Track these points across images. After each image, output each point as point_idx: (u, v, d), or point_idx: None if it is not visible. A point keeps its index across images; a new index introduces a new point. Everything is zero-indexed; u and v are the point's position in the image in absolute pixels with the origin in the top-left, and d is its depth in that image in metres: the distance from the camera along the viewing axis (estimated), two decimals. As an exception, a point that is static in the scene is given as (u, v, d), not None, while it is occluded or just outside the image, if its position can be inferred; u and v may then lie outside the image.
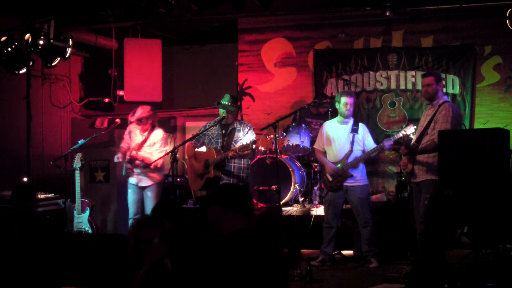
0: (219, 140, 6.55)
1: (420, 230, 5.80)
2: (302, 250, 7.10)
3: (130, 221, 7.04)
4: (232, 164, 6.43)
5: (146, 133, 7.04)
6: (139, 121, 6.99)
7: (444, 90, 7.67)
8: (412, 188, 6.15)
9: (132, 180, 7.05)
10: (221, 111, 6.49)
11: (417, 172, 5.87)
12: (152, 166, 6.90)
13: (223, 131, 6.56)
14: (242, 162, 6.46)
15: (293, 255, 3.40)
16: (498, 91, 8.05)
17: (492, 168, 5.02)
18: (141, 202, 7.03)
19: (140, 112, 7.00)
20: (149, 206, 6.87)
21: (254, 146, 6.15)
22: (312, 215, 7.07)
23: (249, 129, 6.50)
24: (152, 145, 7.03)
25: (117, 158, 7.12)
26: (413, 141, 6.07)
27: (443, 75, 7.86)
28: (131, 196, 7.06)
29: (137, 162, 6.93)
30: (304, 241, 7.14)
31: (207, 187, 6.53)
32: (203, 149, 6.68)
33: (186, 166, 8.86)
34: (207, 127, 6.64)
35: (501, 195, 4.99)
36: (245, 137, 6.40)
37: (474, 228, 5.81)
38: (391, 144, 6.44)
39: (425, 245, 5.73)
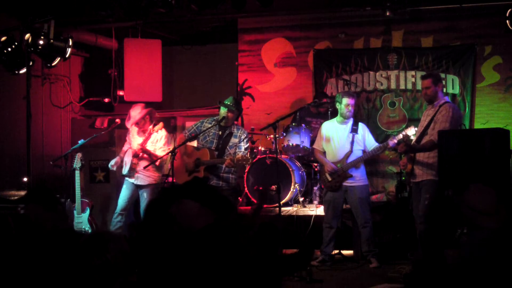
0: (215, 140, 6.56)
1: (420, 230, 5.80)
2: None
3: (115, 216, 7.01)
4: (223, 166, 6.43)
5: (148, 131, 7.02)
6: (137, 124, 6.99)
7: (444, 90, 7.67)
8: (412, 188, 6.15)
9: (131, 178, 7.05)
10: (222, 111, 6.49)
11: (417, 172, 5.87)
12: (157, 163, 6.91)
13: (220, 132, 6.57)
14: None
15: (303, 256, 3.35)
16: (498, 91, 8.04)
17: (492, 168, 5.03)
18: (132, 200, 7.03)
19: (134, 115, 6.99)
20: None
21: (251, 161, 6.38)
22: (312, 215, 7.07)
23: (245, 137, 6.55)
24: (155, 142, 7.02)
25: (112, 166, 7.11)
26: (413, 141, 6.07)
27: (443, 75, 7.86)
28: (124, 192, 7.04)
29: (145, 155, 6.92)
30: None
31: None
32: (194, 143, 6.69)
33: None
34: (204, 124, 6.63)
35: (501, 195, 4.99)
36: (240, 144, 6.45)
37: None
38: (395, 143, 6.37)
39: (425, 245, 5.73)
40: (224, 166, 6.39)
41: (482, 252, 2.93)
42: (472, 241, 3.08)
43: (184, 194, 2.98)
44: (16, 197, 6.50)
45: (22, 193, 6.46)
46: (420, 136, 5.93)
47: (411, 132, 6.21)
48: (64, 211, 5.60)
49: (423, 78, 6.10)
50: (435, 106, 5.91)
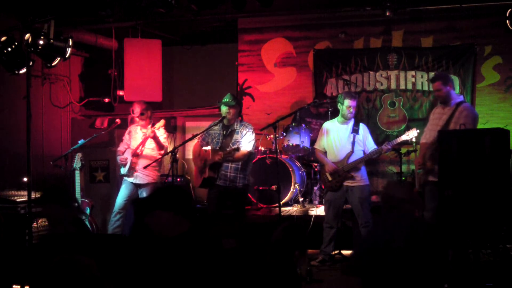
0: (219, 140, 6.54)
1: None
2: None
3: (113, 215, 7.03)
4: (229, 165, 6.36)
5: (147, 129, 7.08)
6: (142, 114, 7.09)
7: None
8: (427, 186, 6.06)
9: (129, 177, 7.08)
10: (223, 109, 6.45)
11: (437, 170, 5.88)
12: (159, 160, 6.96)
13: (224, 132, 6.55)
14: (240, 163, 6.34)
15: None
16: (498, 91, 8.05)
17: (492, 168, 5.03)
18: (131, 200, 7.04)
19: (137, 106, 7.15)
20: None
21: (237, 152, 6.08)
22: (312, 215, 7.07)
23: (247, 131, 6.39)
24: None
25: (122, 160, 7.13)
26: (423, 139, 6.13)
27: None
28: (123, 191, 7.10)
29: (144, 154, 6.99)
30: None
31: (203, 186, 6.59)
32: (209, 147, 6.71)
33: (185, 166, 8.88)
34: (212, 127, 6.63)
35: (501, 195, 4.99)
36: (243, 139, 6.36)
37: (474, 228, 5.81)
38: (389, 148, 6.49)
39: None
40: (228, 162, 6.36)
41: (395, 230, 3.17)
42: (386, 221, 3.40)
43: (156, 205, 3.03)
44: (16, 197, 6.51)
45: (23, 193, 6.47)
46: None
47: (413, 134, 6.25)
48: (79, 206, 5.67)
49: (431, 81, 6.18)
50: (451, 105, 5.94)
